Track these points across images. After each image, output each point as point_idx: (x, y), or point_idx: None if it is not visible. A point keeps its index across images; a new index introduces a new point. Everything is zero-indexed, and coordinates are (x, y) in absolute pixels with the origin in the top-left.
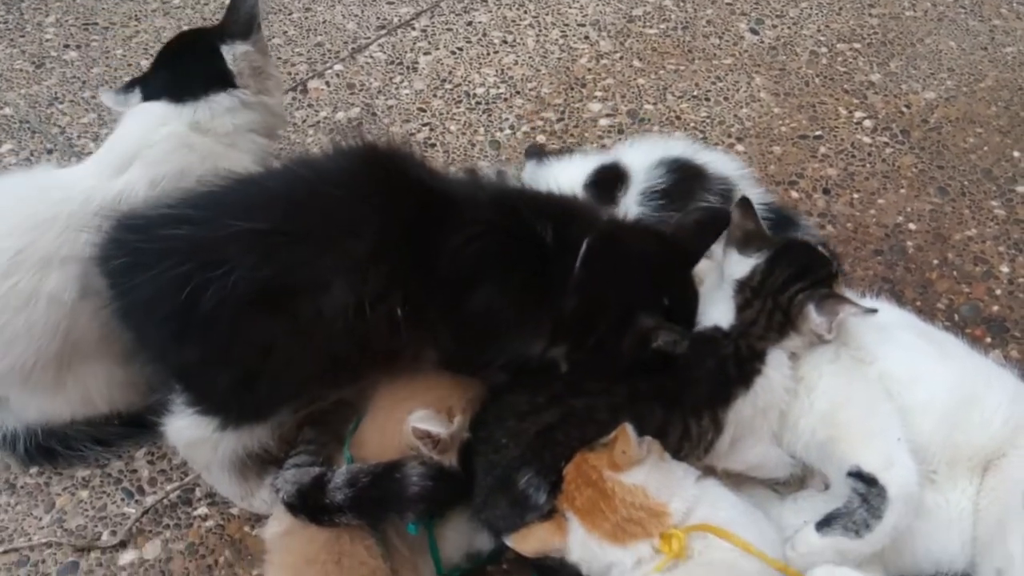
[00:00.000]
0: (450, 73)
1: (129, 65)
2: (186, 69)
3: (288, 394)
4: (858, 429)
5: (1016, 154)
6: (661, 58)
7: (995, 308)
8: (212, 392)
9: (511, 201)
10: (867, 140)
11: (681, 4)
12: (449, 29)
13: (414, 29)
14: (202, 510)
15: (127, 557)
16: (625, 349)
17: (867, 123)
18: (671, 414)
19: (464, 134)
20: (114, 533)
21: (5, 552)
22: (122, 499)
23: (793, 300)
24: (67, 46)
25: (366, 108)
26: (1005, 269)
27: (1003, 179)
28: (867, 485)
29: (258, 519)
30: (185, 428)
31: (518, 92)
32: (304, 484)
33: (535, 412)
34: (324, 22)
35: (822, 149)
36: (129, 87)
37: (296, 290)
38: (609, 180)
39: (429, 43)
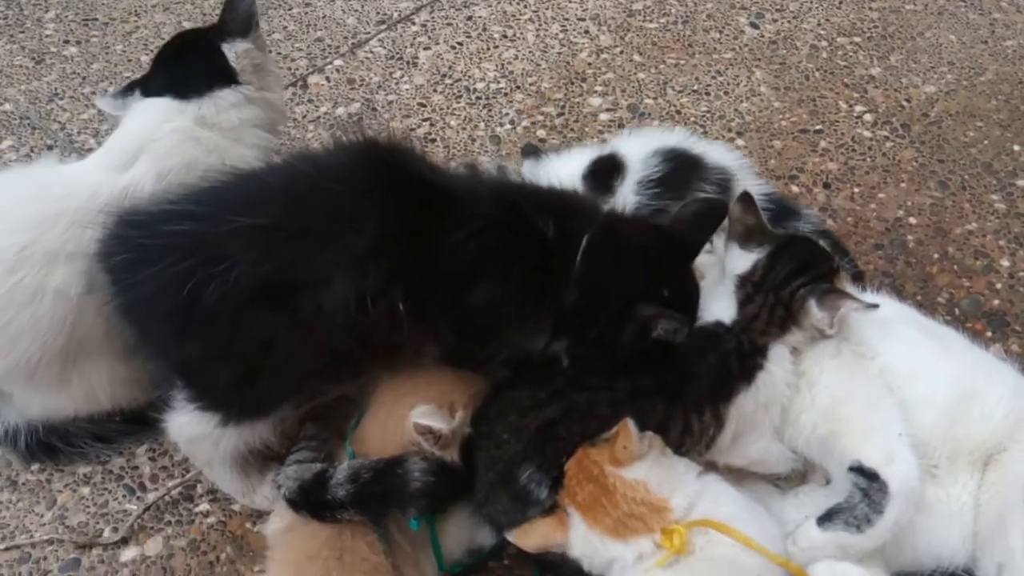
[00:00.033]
0: (450, 68)
1: (129, 61)
2: (188, 67)
3: (289, 390)
4: (859, 424)
5: (1016, 148)
6: (661, 52)
7: (996, 302)
8: (214, 388)
9: (512, 196)
10: (867, 134)
11: None
12: (449, 24)
13: (414, 24)
14: (204, 506)
15: (129, 554)
16: (626, 339)
17: (867, 117)
18: (673, 409)
19: (464, 129)
20: (116, 530)
21: (7, 549)
22: (124, 496)
23: (795, 295)
24: (67, 42)
25: (366, 103)
26: (1006, 263)
27: (1003, 173)
28: (868, 480)
29: (260, 515)
30: (187, 424)
31: (518, 87)
32: (306, 480)
33: (537, 407)
34: (324, 17)
35: (822, 143)
36: (126, 91)
37: (297, 285)
38: (606, 170)
39: (429, 38)
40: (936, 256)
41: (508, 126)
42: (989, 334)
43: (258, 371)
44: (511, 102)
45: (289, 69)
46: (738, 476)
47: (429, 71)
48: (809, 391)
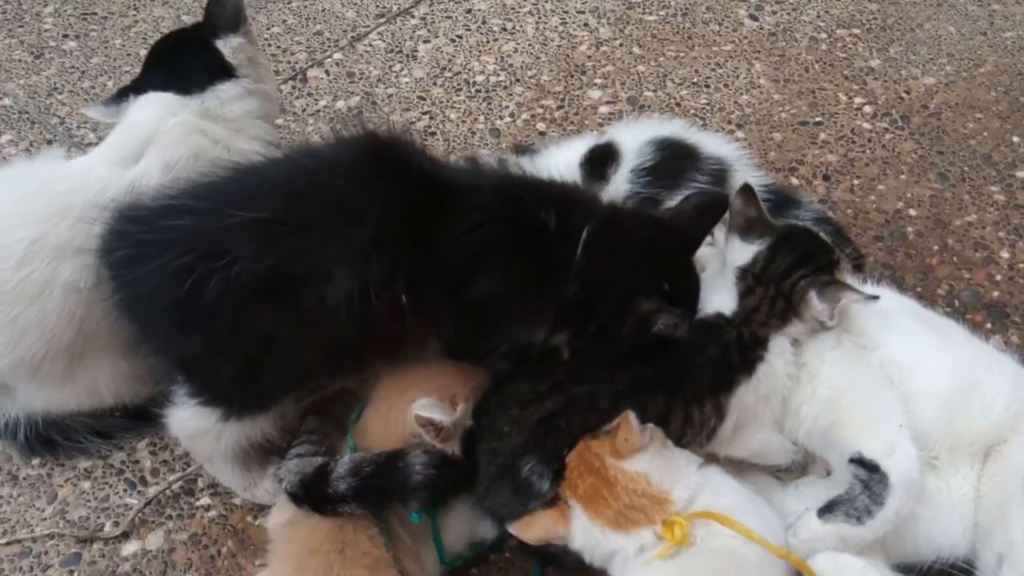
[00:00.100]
0: (450, 61)
1: (128, 55)
2: (186, 64)
3: (291, 384)
4: (860, 415)
5: (1016, 139)
6: (661, 45)
7: (995, 294)
8: (215, 383)
9: (512, 188)
10: (867, 126)
11: None
12: (448, 17)
13: (413, 17)
14: (205, 500)
15: (130, 548)
16: (626, 334)
17: (867, 109)
18: (673, 401)
19: (464, 122)
20: (117, 524)
21: (8, 544)
22: (124, 490)
23: (795, 287)
24: (66, 36)
25: (366, 97)
26: (1005, 255)
27: (1003, 164)
28: (869, 471)
29: (261, 509)
30: (187, 419)
31: (518, 80)
32: (307, 474)
33: (538, 400)
34: (323, 10)
35: (822, 135)
36: (118, 97)
37: (298, 279)
38: (601, 158)
39: (428, 31)
40: (936, 248)
41: (508, 119)
42: (989, 325)
43: (259, 366)
44: (511, 95)
45: (288, 63)
46: (739, 468)
47: (429, 64)
48: (810, 382)
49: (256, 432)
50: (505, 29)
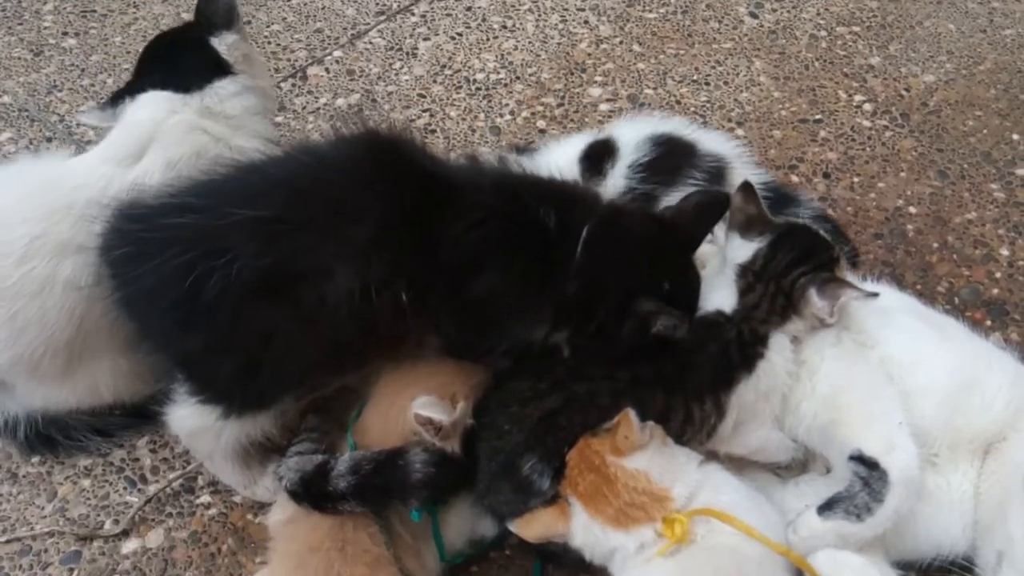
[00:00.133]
0: (450, 59)
1: (128, 52)
2: (182, 63)
3: (291, 382)
4: (859, 413)
5: (1015, 137)
6: (661, 42)
7: (995, 291)
8: (215, 381)
9: (513, 187)
10: (867, 124)
11: None
12: (448, 14)
13: (413, 15)
14: (205, 498)
15: (130, 546)
16: (625, 334)
17: (867, 107)
18: (674, 398)
19: (464, 120)
20: (117, 522)
21: (8, 542)
22: (124, 488)
23: (795, 284)
24: (65, 33)
25: (366, 94)
26: (1005, 252)
27: (1002, 162)
28: (868, 469)
29: (261, 507)
30: (187, 417)
31: (518, 77)
32: (307, 472)
33: (538, 398)
34: (323, 8)
35: (822, 133)
36: (114, 100)
37: (299, 277)
38: (599, 154)
39: (428, 28)
40: (936, 245)
41: (508, 117)
42: (989, 323)
43: (259, 364)
44: (511, 93)
45: (288, 60)
46: (739, 465)
47: (429, 62)
48: (810, 380)
49: (256, 430)
50: (505, 27)
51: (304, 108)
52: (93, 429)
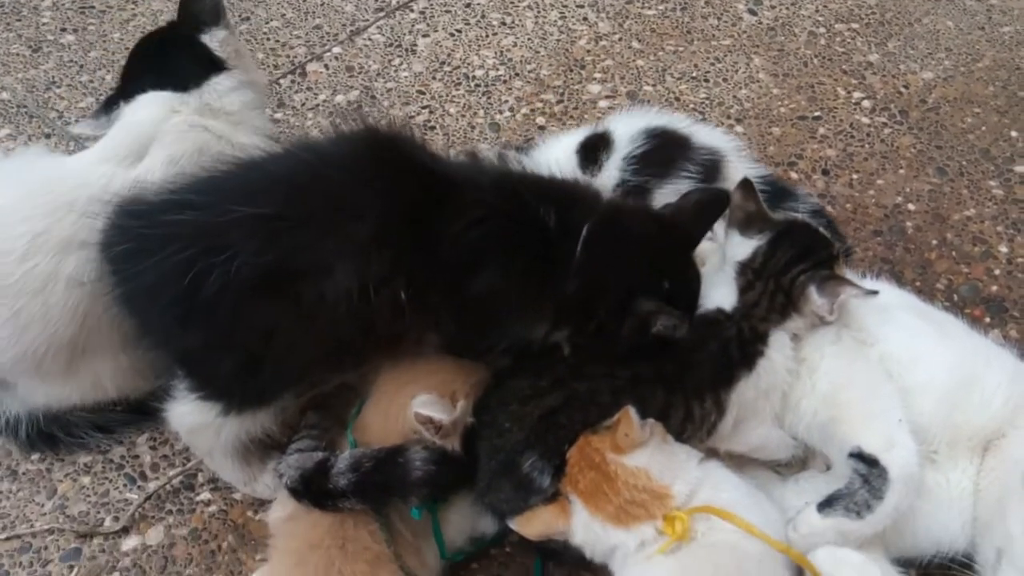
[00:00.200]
0: (449, 55)
1: (126, 49)
2: (175, 63)
3: (291, 379)
4: (859, 410)
5: (1014, 134)
6: (660, 39)
7: (994, 288)
8: (215, 377)
9: (513, 185)
10: (866, 121)
11: None
12: (448, 11)
13: (412, 11)
14: (205, 495)
15: (130, 543)
16: (625, 333)
17: (865, 104)
18: (674, 396)
19: (464, 116)
20: (116, 519)
21: (7, 539)
22: (124, 485)
23: (795, 282)
24: (64, 30)
25: (365, 91)
26: (1004, 249)
27: (1001, 159)
28: (868, 466)
29: (261, 504)
30: (188, 414)
31: (517, 74)
32: (307, 469)
33: (538, 396)
34: (322, 4)
35: (821, 130)
36: (107, 107)
37: (299, 274)
38: (595, 146)
39: (428, 25)
40: (935, 242)
41: (507, 113)
42: (988, 320)
43: (259, 360)
44: (510, 89)
45: (287, 57)
46: (739, 463)
47: (428, 58)
48: (809, 377)
49: (256, 427)
50: (504, 23)
51: (303, 105)
52: (94, 425)
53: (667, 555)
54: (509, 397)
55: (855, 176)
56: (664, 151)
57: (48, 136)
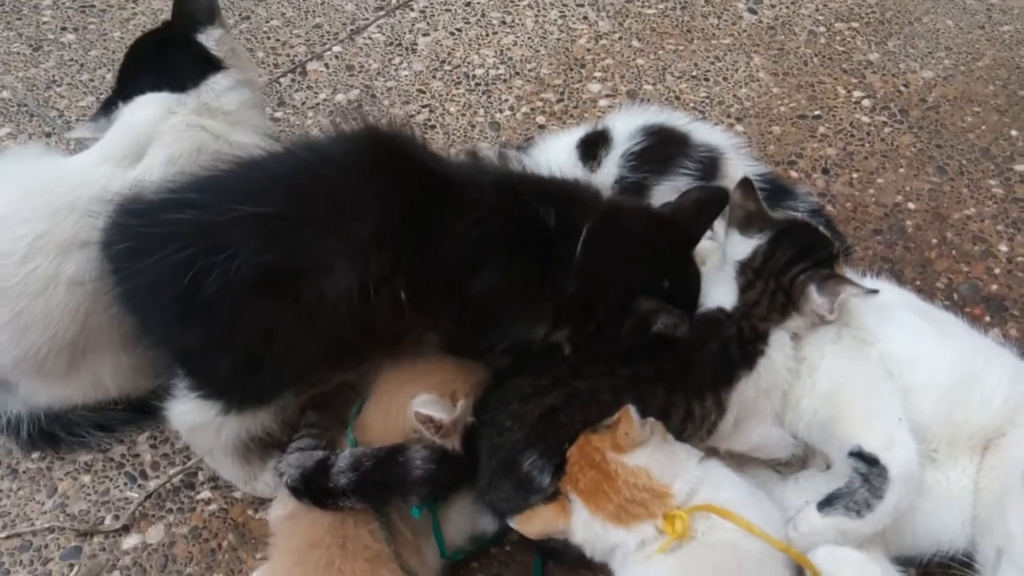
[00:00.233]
0: (449, 54)
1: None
2: (172, 63)
3: (291, 378)
4: (859, 409)
5: (1014, 133)
6: (660, 38)
7: (994, 287)
8: (215, 376)
9: (513, 185)
10: (866, 120)
11: None
12: (448, 10)
13: (413, 10)
14: (205, 494)
15: (130, 541)
16: (626, 332)
17: (865, 103)
18: (674, 395)
19: (464, 115)
20: (117, 517)
21: (8, 537)
22: (125, 483)
23: (795, 281)
24: (64, 28)
25: (365, 90)
26: (1004, 248)
27: (1001, 158)
28: (868, 465)
29: (262, 503)
30: (188, 412)
31: (517, 73)
32: (308, 468)
33: (538, 394)
34: (322, 3)
35: (821, 129)
36: (105, 109)
37: (299, 274)
38: (594, 142)
39: (428, 24)
40: (935, 241)
41: (508, 112)
42: (988, 319)
43: (260, 359)
44: (510, 88)
45: (288, 56)
46: (739, 462)
47: (428, 57)
48: (809, 376)
49: (256, 425)
50: (504, 22)
51: (303, 104)
52: (95, 424)
53: (667, 554)
54: (509, 396)
55: (855, 175)
56: (663, 148)
57: (48, 135)
